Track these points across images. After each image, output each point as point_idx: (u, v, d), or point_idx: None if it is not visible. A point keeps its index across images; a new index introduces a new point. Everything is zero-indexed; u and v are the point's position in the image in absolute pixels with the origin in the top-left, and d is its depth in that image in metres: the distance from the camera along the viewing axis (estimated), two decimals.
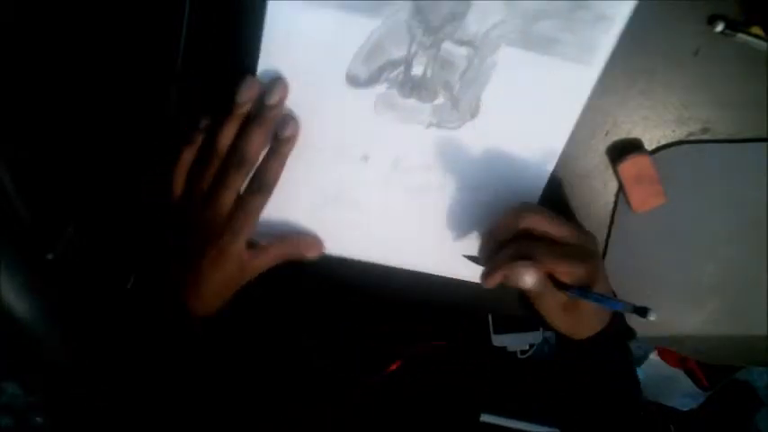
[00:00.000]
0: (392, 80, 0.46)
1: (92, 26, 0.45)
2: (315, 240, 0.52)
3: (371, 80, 0.46)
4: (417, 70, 0.46)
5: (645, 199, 0.53)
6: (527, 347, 0.62)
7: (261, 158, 0.47)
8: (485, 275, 0.46)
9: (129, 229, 0.50)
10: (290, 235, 0.51)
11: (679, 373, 1.22)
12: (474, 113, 0.48)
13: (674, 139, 0.53)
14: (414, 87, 0.47)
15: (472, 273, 0.54)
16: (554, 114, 0.49)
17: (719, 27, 0.48)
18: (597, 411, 0.52)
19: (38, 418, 0.42)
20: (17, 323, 0.40)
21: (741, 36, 0.48)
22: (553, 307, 0.48)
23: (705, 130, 0.53)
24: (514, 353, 0.62)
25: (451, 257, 0.53)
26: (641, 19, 0.47)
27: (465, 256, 0.51)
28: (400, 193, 0.51)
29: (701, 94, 0.51)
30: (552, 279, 0.46)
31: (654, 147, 0.53)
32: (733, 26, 0.48)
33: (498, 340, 0.61)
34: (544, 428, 0.56)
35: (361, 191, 0.51)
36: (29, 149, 0.44)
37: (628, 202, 0.54)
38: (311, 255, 0.51)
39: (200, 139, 0.47)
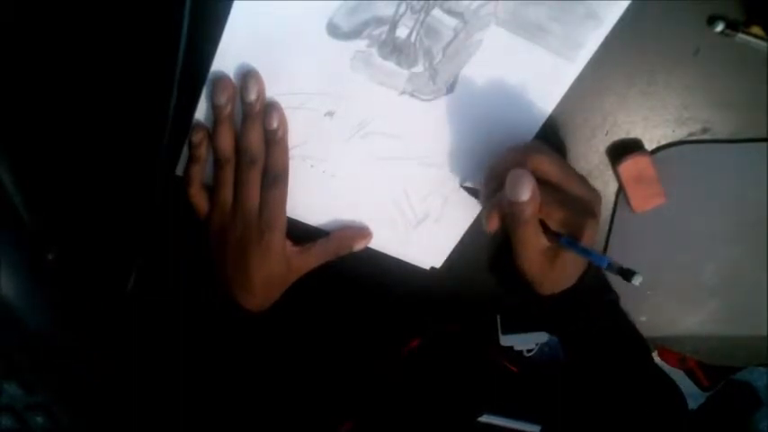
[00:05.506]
0: (374, 38, 0.45)
1: (93, 26, 0.45)
2: (361, 230, 0.52)
3: (353, 34, 0.45)
4: (401, 32, 0.45)
5: (645, 199, 0.53)
6: (533, 347, 0.63)
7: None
8: (485, 217, 0.45)
9: (129, 230, 0.50)
10: (335, 231, 0.51)
11: (679, 374, 1.22)
12: (450, 89, 0.48)
13: (674, 139, 0.53)
14: (394, 50, 0.46)
15: (424, 258, 0.54)
16: (529, 104, 0.49)
17: (719, 27, 0.48)
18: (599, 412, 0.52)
19: (38, 418, 0.42)
20: (17, 323, 0.40)
21: (741, 36, 0.48)
22: (532, 250, 0.46)
23: (705, 130, 0.53)
24: (521, 351, 0.63)
25: (405, 236, 0.53)
26: (641, 19, 0.47)
27: (463, 187, 0.51)
28: (359, 158, 0.50)
29: (700, 95, 0.51)
30: (542, 224, 0.45)
31: (654, 147, 0.53)
32: (733, 26, 0.48)
33: (506, 340, 0.61)
34: (529, 426, 0.57)
35: (319, 147, 0.49)
36: (29, 150, 0.44)
37: (628, 202, 0.54)
38: (360, 246, 0.51)
39: (200, 152, 0.47)
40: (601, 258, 0.43)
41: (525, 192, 0.42)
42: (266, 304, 0.50)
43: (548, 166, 0.44)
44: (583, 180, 0.45)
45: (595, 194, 0.45)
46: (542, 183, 0.43)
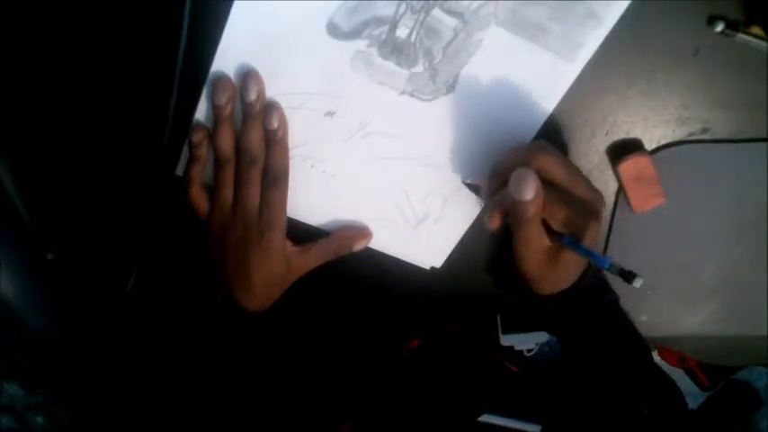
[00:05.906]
0: (374, 38, 0.45)
1: (93, 26, 0.45)
2: (361, 230, 0.52)
3: (353, 34, 0.45)
4: (401, 32, 0.45)
5: (645, 199, 0.53)
6: (533, 347, 0.63)
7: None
8: (487, 215, 0.45)
9: (129, 230, 0.50)
10: (335, 232, 0.51)
11: (679, 373, 1.22)
12: (450, 89, 0.48)
13: (674, 139, 0.53)
14: (394, 50, 0.46)
15: (424, 258, 0.54)
16: (528, 105, 0.49)
17: (719, 27, 0.48)
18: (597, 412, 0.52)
19: (38, 418, 0.42)
20: (17, 323, 0.40)
21: (741, 36, 0.48)
22: (534, 249, 0.46)
23: (705, 130, 0.53)
24: (521, 351, 0.63)
25: (405, 236, 0.53)
26: (641, 19, 0.47)
27: (465, 183, 0.51)
28: (359, 158, 0.50)
29: (700, 94, 0.51)
30: (544, 224, 0.45)
31: (654, 147, 0.53)
32: (733, 26, 0.48)
33: (506, 340, 0.61)
34: (528, 425, 0.57)
35: (319, 147, 0.49)
36: (29, 150, 0.44)
37: (628, 202, 0.54)
38: (360, 246, 0.51)
39: (200, 152, 0.47)
40: (602, 260, 0.43)
41: (529, 191, 0.42)
42: (266, 304, 0.50)
43: (552, 165, 0.44)
44: (586, 181, 0.45)
45: (598, 195, 0.45)
46: (546, 182, 0.43)
